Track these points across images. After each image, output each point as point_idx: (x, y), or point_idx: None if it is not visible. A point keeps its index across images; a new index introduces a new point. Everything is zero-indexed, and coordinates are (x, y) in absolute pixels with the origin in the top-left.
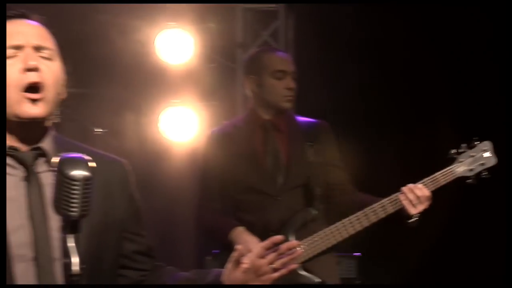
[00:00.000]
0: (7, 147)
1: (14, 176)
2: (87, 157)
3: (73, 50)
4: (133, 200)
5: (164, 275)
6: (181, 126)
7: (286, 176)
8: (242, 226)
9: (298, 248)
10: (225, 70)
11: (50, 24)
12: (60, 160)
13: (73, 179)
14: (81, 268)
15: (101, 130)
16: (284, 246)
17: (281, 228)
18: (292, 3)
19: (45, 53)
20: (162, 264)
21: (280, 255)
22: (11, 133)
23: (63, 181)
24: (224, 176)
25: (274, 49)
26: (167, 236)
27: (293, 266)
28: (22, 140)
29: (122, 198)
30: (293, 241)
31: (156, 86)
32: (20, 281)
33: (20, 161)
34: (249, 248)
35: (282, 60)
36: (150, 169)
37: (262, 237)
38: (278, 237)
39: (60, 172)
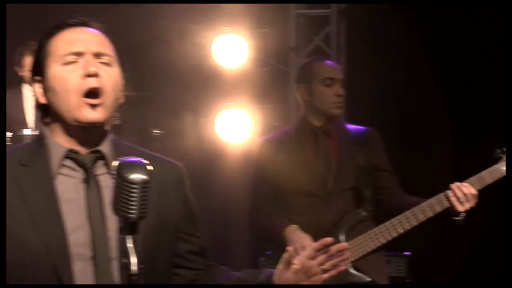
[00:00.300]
0: (68, 150)
1: (74, 178)
2: (145, 161)
3: (133, 54)
4: (188, 202)
5: (217, 274)
6: (236, 128)
7: (337, 179)
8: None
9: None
10: (278, 74)
11: (110, 31)
12: (119, 164)
13: (132, 182)
14: (138, 268)
15: (159, 131)
16: (334, 248)
17: (332, 229)
18: (344, 9)
19: (104, 59)
20: (215, 264)
21: (330, 257)
22: (71, 136)
23: (122, 184)
24: (276, 181)
25: (323, 58)
26: (222, 236)
27: (343, 267)
28: (82, 143)
29: (177, 199)
30: (343, 243)
31: (212, 89)
32: (78, 279)
33: (80, 164)
34: (302, 244)
35: (331, 68)
36: (206, 169)
37: (314, 237)
38: (328, 239)
39: (120, 176)
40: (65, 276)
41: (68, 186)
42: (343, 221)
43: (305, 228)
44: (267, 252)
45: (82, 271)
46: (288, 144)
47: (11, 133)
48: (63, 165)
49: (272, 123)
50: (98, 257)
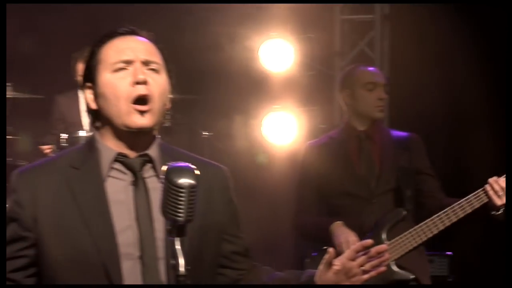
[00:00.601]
0: (117, 153)
1: (123, 180)
2: (192, 166)
3: (185, 59)
4: (232, 204)
5: (260, 274)
6: (282, 130)
7: (379, 181)
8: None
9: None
10: (324, 78)
11: (164, 38)
12: (168, 169)
13: (180, 187)
14: (186, 269)
15: (208, 133)
16: (373, 250)
17: (374, 228)
18: (388, 14)
19: (152, 67)
20: (258, 264)
21: (370, 258)
22: (121, 141)
23: (170, 188)
24: (321, 183)
25: (365, 65)
26: (268, 237)
27: (382, 268)
28: (131, 147)
29: (222, 202)
30: (382, 245)
31: (259, 92)
32: (127, 278)
33: (129, 167)
34: (347, 239)
35: (373, 73)
36: (253, 170)
37: (357, 236)
38: (368, 241)
39: (168, 180)
40: (114, 275)
41: (117, 188)
42: (384, 220)
43: (349, 227)
44: (313, 253)
45: (130, 270)
46: (333, 148)
47: (67, 135)
48: (112, 168)
49: (317, 125)
50: (145, 256)
